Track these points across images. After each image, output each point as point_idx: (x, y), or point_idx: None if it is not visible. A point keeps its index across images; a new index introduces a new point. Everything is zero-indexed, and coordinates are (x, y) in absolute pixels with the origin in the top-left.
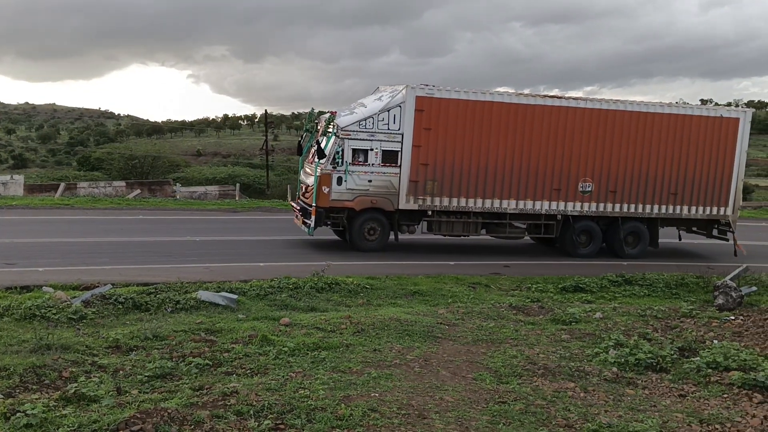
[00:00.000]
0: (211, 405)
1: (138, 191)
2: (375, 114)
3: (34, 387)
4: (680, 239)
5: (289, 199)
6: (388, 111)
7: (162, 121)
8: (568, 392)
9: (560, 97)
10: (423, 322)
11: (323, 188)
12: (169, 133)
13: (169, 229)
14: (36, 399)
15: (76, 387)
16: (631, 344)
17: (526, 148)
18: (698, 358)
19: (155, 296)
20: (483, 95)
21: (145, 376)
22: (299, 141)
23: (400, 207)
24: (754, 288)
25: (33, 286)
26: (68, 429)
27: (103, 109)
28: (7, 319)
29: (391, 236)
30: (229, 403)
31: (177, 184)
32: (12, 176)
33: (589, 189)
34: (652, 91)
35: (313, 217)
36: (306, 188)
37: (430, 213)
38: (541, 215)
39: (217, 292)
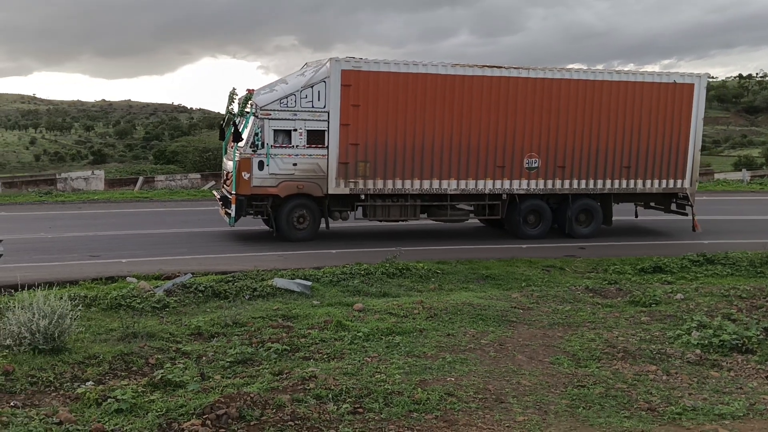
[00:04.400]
0: (291, 389)
1: (213, 182)
2: (297, 91)
3: (123, 374)
4: (636, 216)
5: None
6: (312, 87)
7: None
8: (650, 375)
9: (500, 67)
10: (496, 307)
11: (243, 174)
12: None
13: (244, 218)
14: (125, 385)
15: (162, 373)
16: (714, 325)
17: (465, 123)
18: None
19: (233, 284)
20: (416, 67)
21: (227, 362)
22: (221, 124)
23: (330, 192)
24: None
25: (117, 277)
26: (157, 413)
27: (176, 103)
28: (95, 309)
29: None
30: (308, 388)
31: None
32: (93, 171)
33: (536, 165)
34: (734, 62)
35: (233, 206)
36: (227, 175)
37: (363, 197)
38: (484, 195)
39: (291, 279)
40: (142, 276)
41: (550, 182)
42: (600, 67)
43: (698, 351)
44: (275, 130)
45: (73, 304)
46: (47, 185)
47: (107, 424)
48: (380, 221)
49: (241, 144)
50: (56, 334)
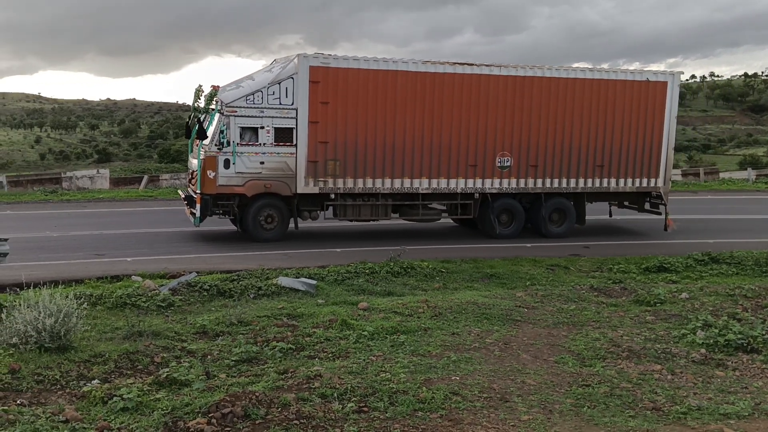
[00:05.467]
0: (296, 388)
1: None
2: (264, 87)
3: (129, 372)
4: (611, 215)
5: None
6: (279, 84)
7: None
8: (655, 374)
9: (472, 65)
10: (501, 306)
11: (208, 173)
12: None
13: None
14: (131, 383)
15: (167, 372)
16: (720, 325)
17: (436, 121)
18: None
19: (238, 283)
20: (386, 63)
21: (232, 361)
22: (187, 121)
23: (299, 191)
24: None
25: (123, 276)
26: (163, 412)
27: (180, 102)
28: (101, 307)
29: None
30: (313, 386)
31: None
32: (98, 170)
33: (508, 164)
34: (739, 61)
35: (198, 206)
36: (192, 174)
37: (333, 196)
38: (457, 194)
39: (296, 278)
40: (148, 275)
41: (522, 181)
42: (605, 65)
43: (703, 350)
44: (242, 128)
45: (78, 303)
46: (52, 184)
47: (113, 422)
48: (351, 221)
49: (206, 142)
50: (62, 333)
